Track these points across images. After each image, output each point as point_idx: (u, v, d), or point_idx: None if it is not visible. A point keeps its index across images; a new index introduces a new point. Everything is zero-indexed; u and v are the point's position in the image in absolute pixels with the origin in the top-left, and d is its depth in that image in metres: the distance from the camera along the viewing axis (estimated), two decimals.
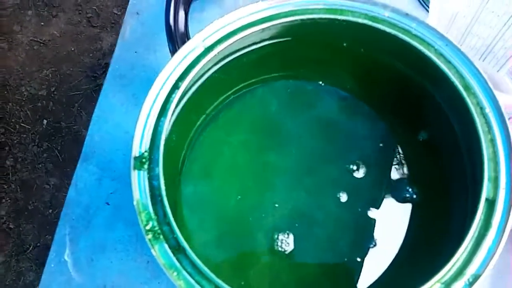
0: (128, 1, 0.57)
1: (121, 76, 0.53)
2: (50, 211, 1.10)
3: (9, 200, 1.11)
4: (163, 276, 0.46)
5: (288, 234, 0.35)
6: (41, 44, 1.24)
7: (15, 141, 1.16)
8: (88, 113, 1.15)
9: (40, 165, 1.14)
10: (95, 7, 1.28)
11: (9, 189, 1.12)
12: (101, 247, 0.47)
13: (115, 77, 0.53)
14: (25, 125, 1.17)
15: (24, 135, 1.16)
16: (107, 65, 1.21)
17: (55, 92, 1.20)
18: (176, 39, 0.45)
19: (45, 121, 1.17)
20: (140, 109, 0.30)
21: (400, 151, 0.38)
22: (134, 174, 0.28)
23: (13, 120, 1.17)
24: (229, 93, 0.39)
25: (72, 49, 1.24)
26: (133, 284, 0.45)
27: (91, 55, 1.23)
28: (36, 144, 1.15)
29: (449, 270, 0.28)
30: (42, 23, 1.27)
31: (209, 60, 0.31)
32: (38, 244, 1.07)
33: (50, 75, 1.21)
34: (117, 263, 0.46)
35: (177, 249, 0.27)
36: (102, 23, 1.27)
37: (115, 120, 0.51)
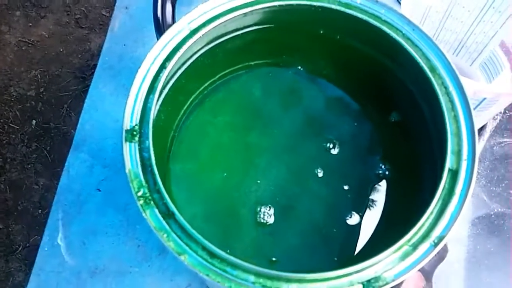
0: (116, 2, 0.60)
1: (110, 67, 0.55)
2: (40, 211, 1.10)
3: None
4: (154, 259, 0.48)
5: (269, 207, 0.38)
6: (30, 45, 1.26)
7: (4, 142, 1.16)
8: (77, 114, 1.15)
9: (29, 166, 1.14)
10: (83, 8, 1.30)
11: None
12: (93, 231, 0.49)
13: (105, 69, 0.55)
14: (14, 126, 1.17)
15: (13, 136, 1.17)
16: (95, 66, 1.23)
17: (44, 93, 1.21)
18: (164, 31, 0.47)
19: (34, 122, 1.18)
20: (130, 87, 0.32)
21: (373, 130, 0.41)
22: (126, 146, 0.30)
23: (1, 121, 1.18)
24: (215, 78, 0.41)
25: (61, 50, 1.25)
26: (124, 267, 0.47)
27: (79, 56, 1.25)
28: (25, 144, 1.16)
29: (416, 233, 0.30)
30: (30, 24, 1.28)
31: (195, 42, 0.33)
32: (28, 245, 1.08)
33: (38, 75, 1.22)
34: (108, 247, 0.48)
35: (166, 214, 0.29)
36: (90, 24, 1.28)
37: (105, 109, 0.53)
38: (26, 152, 1.16)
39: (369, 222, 0.38)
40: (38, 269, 0.47)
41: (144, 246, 0.48)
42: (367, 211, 0.38)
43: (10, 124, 1.17)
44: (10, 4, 1.30)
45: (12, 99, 1.20)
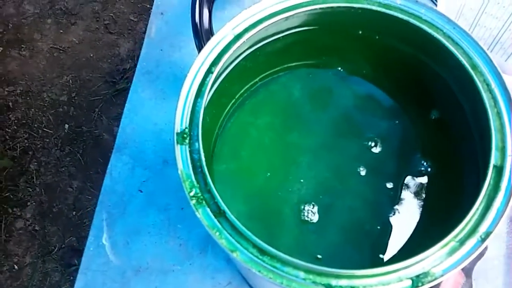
0: (146, 8, 0.61)
1: (148, 72, 0.57)
2: (74, 213, 1.13)
3: (34, 203, 1.14)
4: (195, 258, 0.49)
5: (313, 205, 0.38)
6: (61, 51, 1.29)
7: (39, 146, 1.19)
8: (109, 118, 1.19)
9: (63, 169, 1.17)
10: (112, 14, 1.33)
11: (33, 192, 1.15)
12: (136, 231, 0.50)
13: (143, 74, 0.56)
14: (47, 130, 1.21)
15: (47, 140, 1.20)
16: (125, 70, 1.26)
17: (75, 98, 1.24)
18: (202, 35, 0.48)
19: (66, 126, 1.21)
20: (180, 91, 0.33)
21: (414, 128, 0.41)
22: (177, 148, 0.31)
23: (35, 125, 1.21)
24: (256, 80, 0.42)
25: (91, 55, 1.28)
26: (166, 265, 0.48)
27: (109, 61, 1.27)
28: (58, 148, 1.19)
29: (463, 229, 0.31)
30: (61, 31, 1.31)
31: (238, 47, 0.34)
32: (63, 246, 1.10)
33: (70, 81, 1.25)
34: (151, 246, 0.49)
35: (218, 213, 0.30)
36: (119, 29, 1.31)
37: (144, 114, 0.54)
38: (60, 156, 1.19)
39: (411, 219, 0.38)
40: (84, 268, 0.49)
41: (185, 245, 0.49)
42: (410, 207, 0.39)
43: (44, 129, 1.21)
44: (42, 13, 1.34)
45: (45, 105, 1.23)
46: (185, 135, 0.32)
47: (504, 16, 0.52)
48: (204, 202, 0.30)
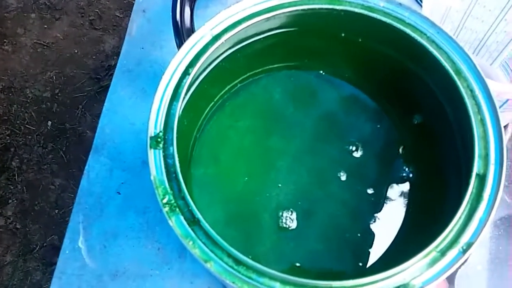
0: (131, 4, 0.60)
1: (128, 71, 0.55)
2: (56, 211, 1.11)
3: (15, 201, 1.12)
4: (174, 262, 0.48)
5: (291, 212, 0.37)
6: (45, 47, 1.27)
7: (21, 143, 1.17)
8: (92, 115, 1.17)
9: (46, 166, 1.15)
10: (97, 10, 1.30)
11: (15, 190, 1.13)
12: (113, 234, 0.49)
13: (123, 72, 0.55)
14: (30, 127, 1.18)
15: (29, 137, 1.18)
16: (110, 67, 1.24)
17: (59, 94, 1.22)
18: (183, 34, 0.47)
19: (49, 123, 1.19)
20: (154, 93, 0.32)
21: (396, 133, 0.41)
22: (151, 152, 0.30)
23: (18, 122, 1.19)
24: (236, 82, 0.41)
25: (75, 51, 1.26)
26: (144, 270, 0.47)
27: (94, 57, 1.25)
28: (41, 145, 1.17)
29: (444, 239, 0.30)
30: (46, 26, 1.29)
31: (217, 48, 0.33)
32: (45, 244, 1.09)
33: (54, 77, 1.23)
34: (129, 249, 0.48)
35: (192, 221, 0.29)
36: (104, 25, 1.29)
37: (123, 113, 0.53)
38: (42, 153, 1.17)
39: (392, 226, 0.38)
40: (59, 272, 0.48)
41: (164, 249, 0.48)
42: (391, 215, 0.38)
43: (26, 125, 1.19)
44: (26, 7, 1.31)
45: (28, 101, 1.21)
46: (159, 139, 0.31)
47: (489, 19, 0.51)
48: (177, 209, 0.29)
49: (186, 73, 0.33)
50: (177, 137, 0.31)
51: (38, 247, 1.08)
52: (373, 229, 0.38)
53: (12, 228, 1.10)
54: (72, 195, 1.12)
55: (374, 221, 0.38)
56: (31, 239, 1.09)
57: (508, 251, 0.49)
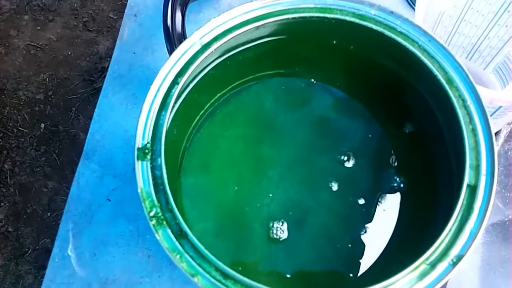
0: (125, 5, 0.59)
1: (120, 76, 0.55)
2: (49, 214, 1.11)
3: (7, 204, 1.11)
4: (164, 270, 0.47)
5: (282, 222, 0.37)
6: (38, 49, 1.26)
7: (13, 145, 1.17)
8: (86, 117, 1.16)
9: (38, 169, 1.15)
10: (91, 12, 1.30)
11: (7, 192, 1.13)
12: (103, 242, 0.48)
13: (114, 78, 0.54)
14: (22, 129, 1.18)
15: (22, 139, 1.17)
16: (103, 69, 1.23)
17: (52, 96, 1.21)
18: (174, 39, 0.46)
19: (42, 125, 1.18)
20: (142, 103, 0.31)
21: (388, 142, 0.40)
22: (138, 164, 0.30)
23: (10, 124, 1.18)
24: (226, 90, 0.41)
25: (69, 53, 1.25)
26: (134, 278, 0.47)
27: (87, 59, 1.25)
28: (34, 147, 1.16)
29: (434, 251, 0.30)
30: (39, 28, 1.28)
31: (207, 57, 0.33)
32: (37, 247, 1.08)
33: (47, 79, 1.23)
34: (119, 257, 0.48)
35: (179, 234, 0.29)
36: (98, 27, 1.28)
37: (115, 119, 0.53)
38: (35, 156, 1.16)
39: (383, 237, 0.37)
40: (48, 280, 0.47)
41: (154, 257, 0.48)
42: (382, 225, 0.38)
43: (19, 128, 1.18)
44: (19, 9, 1.30)
45: (21, 103, 1.20)
46: (146, 151, 0.30)
47: (483, 24, 0.51)
48: (164, 222, 0.29)
49: (175, 82, 0.32)
50: (165, 148, 0.31)
51: (30, 250, 1.07)
52: (363, 240, 0.37)
53: (4, 231, 1.09)
54: (65, 198, 1.11)
55: (365, 232, 0.37)
56: (23, 242, 1.09)
57: (500, 257, 0.49)
